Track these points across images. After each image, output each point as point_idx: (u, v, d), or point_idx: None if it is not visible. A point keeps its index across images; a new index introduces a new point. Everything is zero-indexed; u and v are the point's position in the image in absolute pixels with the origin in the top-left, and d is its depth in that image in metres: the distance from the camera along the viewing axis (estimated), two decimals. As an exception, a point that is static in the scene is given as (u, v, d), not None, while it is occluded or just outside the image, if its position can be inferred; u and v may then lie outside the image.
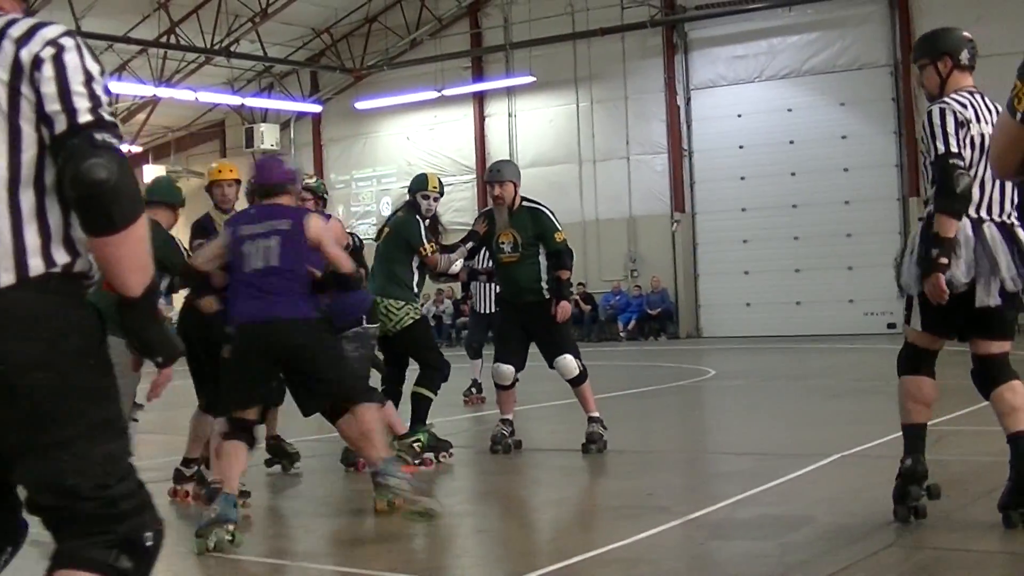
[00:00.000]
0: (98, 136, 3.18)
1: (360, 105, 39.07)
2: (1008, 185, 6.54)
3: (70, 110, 3.16)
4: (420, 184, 11.20)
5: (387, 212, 40.96)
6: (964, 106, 6.63)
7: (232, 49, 34.66)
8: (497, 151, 37.10)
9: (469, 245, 11.19)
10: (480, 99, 37.78)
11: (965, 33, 7.16)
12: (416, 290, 10.73)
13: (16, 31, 3.21)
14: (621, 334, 33.24)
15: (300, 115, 40.99)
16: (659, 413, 13.74)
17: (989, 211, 6.62)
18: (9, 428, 3.13)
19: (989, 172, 6.45)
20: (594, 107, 35.44)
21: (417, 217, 10.96)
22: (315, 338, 7.61)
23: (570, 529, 7.64)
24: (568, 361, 10.61)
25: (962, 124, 6.55)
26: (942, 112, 6.65)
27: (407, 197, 11.14)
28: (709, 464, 10.15)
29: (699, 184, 33.49)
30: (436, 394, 10.73)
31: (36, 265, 3.16)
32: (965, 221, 6.51)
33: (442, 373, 10.74)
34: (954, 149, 6.46)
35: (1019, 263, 6.57)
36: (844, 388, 15.87)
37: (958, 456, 9.55)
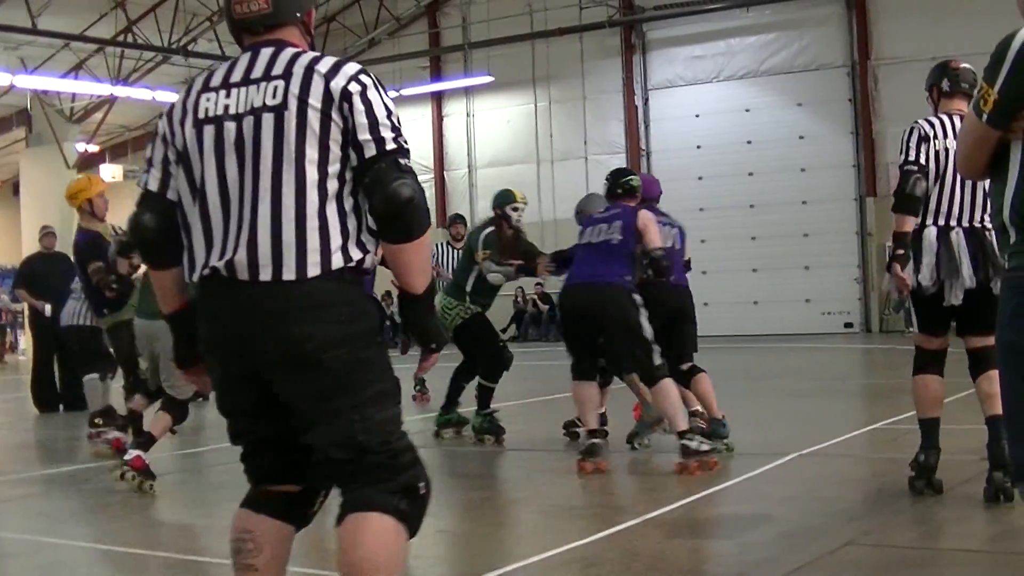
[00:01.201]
0: (402, 161, 3.83)
1: (318, 104, 39.03)
2: (979, 192, 7.21)
3: (378, 139, 3.80)
4: (508, 198, 12.19)
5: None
6: (931, 124, 7.59)
7: (189, 48, 34.50)
8: (455, 151, 37.14)
9: (519, 263, 11.76)
10: (438, 99, 37.76)
11: (953, 63, 8.01)
12: (472, 292, 11.66)
13: (322, 67, 3.87)
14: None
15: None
16: (616, 413, 13.67)
17: (959, 219, 7.38)
18: (310, 395, 3.78)
19: (958, 182, 7.31)
20: (552, 107, 35.46)
21: (490, 228, 12.05)
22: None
23: (529, 529, 7.61)
24: None
25: (924, 139, 7.51)
26: (909, 130, 7.68)
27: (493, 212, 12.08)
28: (667, 463, 10.13)
29: (657, 184, 33.54)
30: (495, 383, 11.71)
31: (336, 260, 3.78)
32: (932, 229, 7.38)
33: (500, 364, 11.65)
34: (911, 158, 7.44)
35: (983, 265, 7.30)
36: (801, 388, 15.91)
37: (914, 455, 9.57)
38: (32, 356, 17.73)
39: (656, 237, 9.48)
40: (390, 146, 3.82)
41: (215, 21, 33.83)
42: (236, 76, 3.93)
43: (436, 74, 37.75)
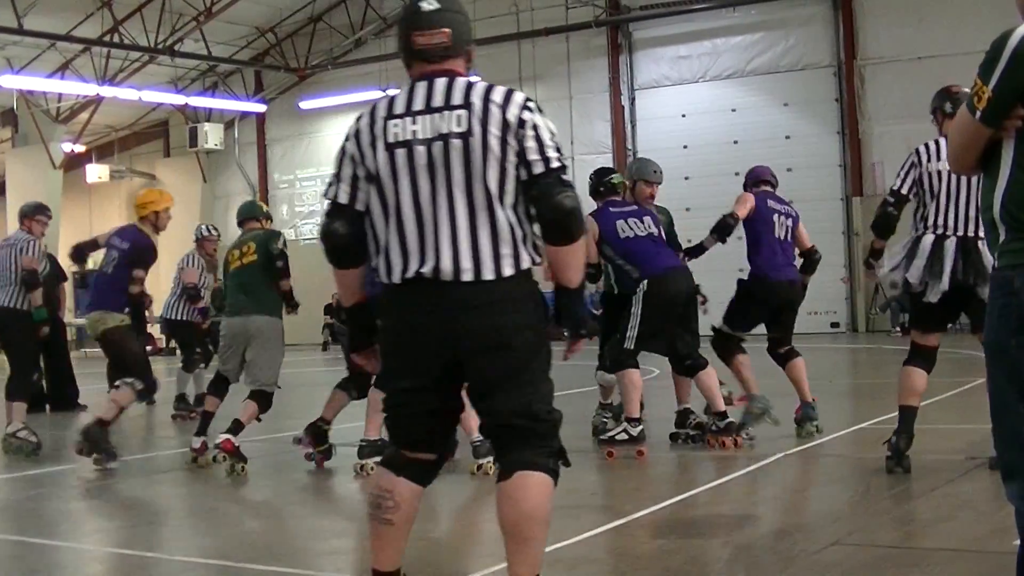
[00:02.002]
0: (564, 177, 4.55)
1: (304, 104, 39.00)
2: (972, 207, 8.11)
3: (546, 159, 4.51)
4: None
5: (332, 212, 41.53)
6: (926, 148, 8.45)
7: (176, 48, 34.48)
8: (442, 151, 37.14)
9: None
10: (425, 98, 37.74)
11: (954, 88, 8.49)
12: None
13: (497, 97, 4.61)
14: (565, 333, 33.24)
15: (244, 114, 40.87)
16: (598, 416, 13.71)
17: (954, 229, 8.27)
18: (501, 372, 4.55)
19: (951, 198, 8.30)
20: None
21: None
22: None
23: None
24: None
25: (914, 165, 8.51)
26: (909, 156, 8.60)
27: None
28: (652, 464, 10.12)
29: (643, 184, 33.58)
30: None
31: (523, 262, 4.57)
32: (928, 236, 8.37)
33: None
34: (895, 187, 8.67)
35: (964, 270, 8.14)
36: (787, 387, 15.89)
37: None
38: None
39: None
40: (554, 164, 4.54)
41: (201, 21, 33.81)
42: (418, 104, 4.65)
43: (423, 74, 37.75)
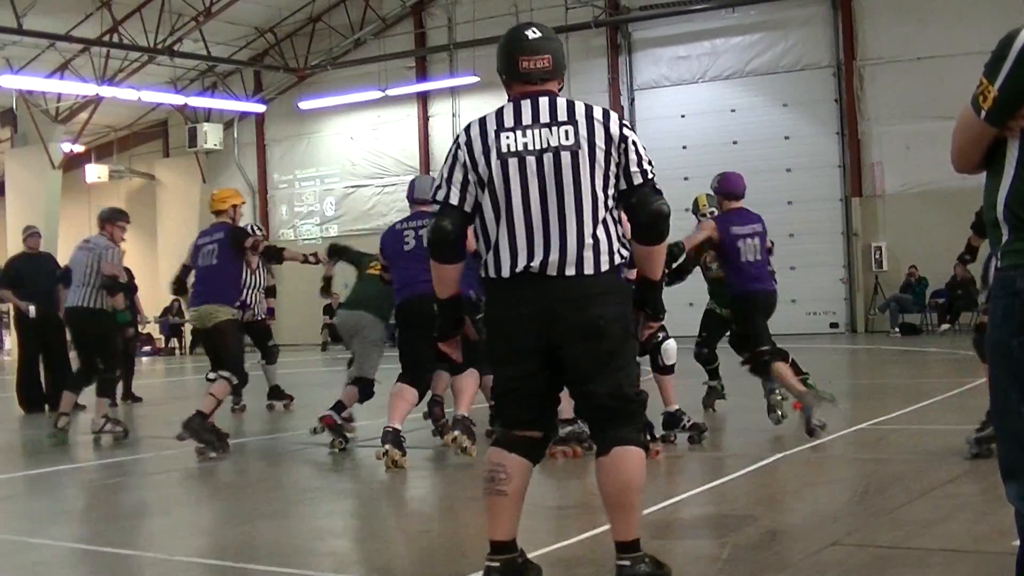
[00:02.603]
0: (657, 186, 5.31)
1: (303, 105, 38.96)
2: None
3: (643, 171, 5.29)
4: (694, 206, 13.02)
5: (330, 212, 41.08)
6: None
7: (175, 48, 34.43)
8: (441, 151, 37.08)
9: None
10: (424, 99, 37.75)
11: None
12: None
13: (598, 115, 5.32)
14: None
15: (243, 115, 40.82)
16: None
17: None
18: (596, 357, 5.19)
19: None
20: (538, 107, 35.45)
21: None
22: None
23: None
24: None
25: None
26: None
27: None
28: (650, 465, 10.12)
29: (642, 184, 33.59)
30: None
31: (616, 259, 5.24)
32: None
33: None
34: None
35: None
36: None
37: (899, 454, 9.60)
38: (17, 356, 17.67)
39: None
40: (650, 176, 5.31)
41: (200, 21, 33.78)
42: (526, 119, 5.29)
43: (422, 74, 37.73)
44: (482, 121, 5.37)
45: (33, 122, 36.92)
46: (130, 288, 17.78)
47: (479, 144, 5.31)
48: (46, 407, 16.71)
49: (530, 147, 5.24)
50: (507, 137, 5.27)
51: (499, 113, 5.35)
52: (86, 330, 13.48)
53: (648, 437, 5.74)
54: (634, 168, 5.28)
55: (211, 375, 12.04)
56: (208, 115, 39.95)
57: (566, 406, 10.13)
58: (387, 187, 37.86)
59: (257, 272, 16.39)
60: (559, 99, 5.38)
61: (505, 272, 5.25)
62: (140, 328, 22.05)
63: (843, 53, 31.29)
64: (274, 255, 12.79)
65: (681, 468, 9.80)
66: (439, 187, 5.39)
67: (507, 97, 5.47)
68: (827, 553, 6.11)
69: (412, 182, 11.18)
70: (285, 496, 9.20)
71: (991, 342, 3.78)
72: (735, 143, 31.87)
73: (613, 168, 5.25)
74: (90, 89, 34.90)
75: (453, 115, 37.10)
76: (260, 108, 40.26)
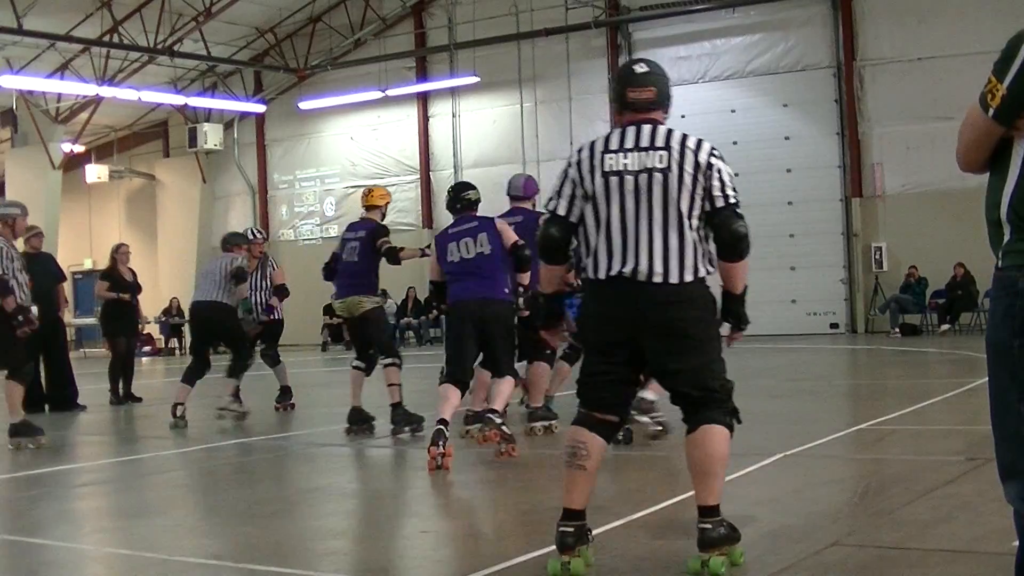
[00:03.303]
0: (738, 210, 5.94)
1: (304, 105, 38.97)
2: None
3: (726, 195, 5.92)
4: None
5: (331, 212, 41.07)
6: None
7: (175, 48, 34.47)
8: (441, 151, 37.15)
9: None
10: (424, 99, 37.76)
11: None
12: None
13: (691, 144, 5.97)
14: (566, 334, 33.18)
15: (243, 115, 40.84)
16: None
17: None
18: (679, 355, 5.89)
19: None
20: (538, 107, 35.50)
21: None
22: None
23: (512, 529, 7.60)
24: None
25: None
26: None
27: None
28: (649, 465, 10.12)
29: (642, 185, 33.58)
30: None
31: (700, 272, 5.89)
32: None
33: None
34: None
35: None
36: (785, 388, 15.92)
37: (899, 455, 9.60)
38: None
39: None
40: (732, 200, 5.93)
41: (200, 21, 33.82)
42: (628, 143, 6.00)
43: (422, 74, 37.75)
44: (592, 143, 6.13)
45: (33, 122, 36.94)
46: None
47: (587, 163, 6.06)
48: (46, 407, 16.71)
49: (629, 167, 5.95)
50: (611, 158, 6.00)
51: (607, 137, 6.10)
52: (217, 321, 15.31)
53: (735, 420, 6.23)
54: (717, 192, 5.91)
55: (356, 362, 13.06)
56: (208, 115, 39.97)
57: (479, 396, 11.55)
58: (387, 187, 37.81)
59: (259, 273, 16.49)
60: (660, 127, 6.11)
61: (601, 275, 5.95)
62: (140, 328, 22.02)
63: (843, 54, 31.31)
64: (391, 255, 13.00)
65: (681, 468, 9.78)
66: (551, 199, 6.19)
67: (616, 123, 6.26)
68: (827, 553, 6.11)
69: (510, 179, 13.11)
70: (286, 496, 9.21)
71: (991, 342, 3.78)
72: (735, 143, 31.84)
73: (699, 191, 5.89)
74: (90, 89, 34.93)
75: (453, 115, 37.12)
76: (260, 108, 40.27)
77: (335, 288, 13.05)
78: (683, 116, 33.08)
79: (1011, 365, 3.69)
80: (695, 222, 5.90)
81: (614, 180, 5.96)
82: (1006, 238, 3.70)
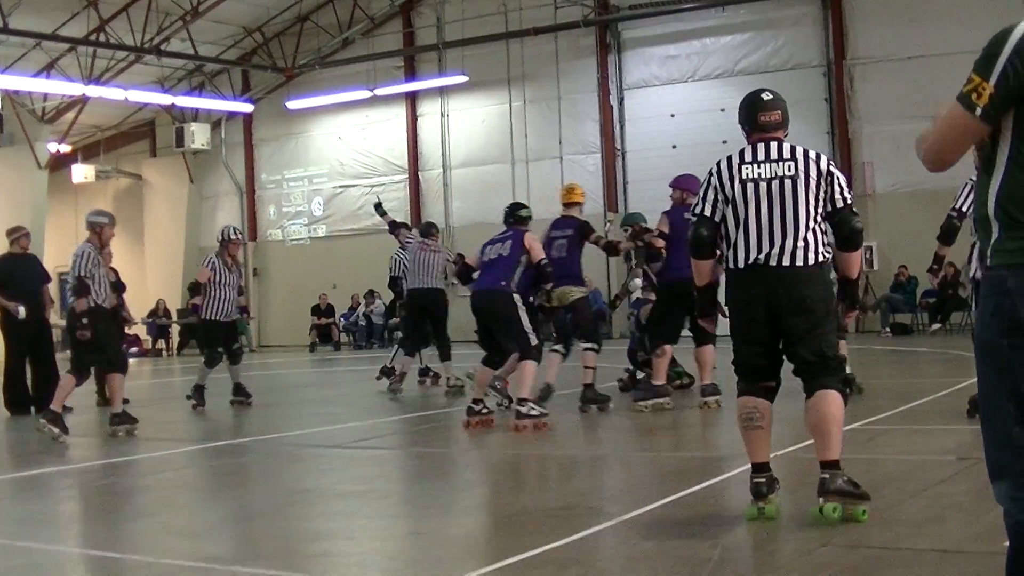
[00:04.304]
0: (854, 208, 7.38)
1: (292, 104, 38.92)
2: None
3: (844, 198, 7.32)
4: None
5: (318, 212, 41.07)
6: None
7: (162, 47, 34.39)
8: (429, 151, 37.11)
9: None
10: (412, 99, 37.72)
11: None
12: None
13: (812, 156, 7.37)
14: (553, 334, 33.17)
15: (231, 114, 40.76)
16: (589, 416, 13.69)
17: None
18: (803, 327, 7.15)
19: None
20: (527, 107, 35.45)
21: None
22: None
23: (502, 530, 7.61)
24: None
25: (965, 186, 12.04)
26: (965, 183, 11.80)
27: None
28: (641, 466, 10.14)
29: (632, 184, 33.62)
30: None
31: (820, 258, 7.21)
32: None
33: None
34: (955, 206, 12.46)
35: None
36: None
37: (891, 455, 9.61)
38: (4, 358, 17.64)
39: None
40: (848, 201, 7.34)
41: (188, 20, 33.75)
42: (760, 156, 7.38)
43: (410, 74, 37.71)
44: (730, 157, 7.50)
45: (19, 122, 36.83)
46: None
47: (726, 172, 7.42)
48: (32, 408, 16.67)
49: (763, 176, 7.31)
50: (747, 168, 7.37)
51: (742, 152, 7.48)
52: (439, 303, 18.00)
53: (849, 390, 8.06)
54: (837, 196, 7.29)
55: (557, 347, 14.52)
56: (196, 115, 39.89)
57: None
58: (375, 187, 37.78)
59: (233, 272, 16.50)
60: (784, 143, 7.48)
61: (741, 263, 7.26)
62: (127, 329, 21.99)
63: (833, 52, 31.31)
64: (611, 248, 15.21)
65: (671, 469, 9.80)
66: (697, 203, 7.53)
67: (747, 140, 7.58)
68: (819, 554, 6.13)
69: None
70: (277, 497, 9.21)
71: (980, 341, 3.79)
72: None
73: (821, 195, 7.25)
74: (77, 89, 34.84)
75: (442, 115, 37.08)
76: (248, 108, 40.21)
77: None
78: (672, 115, 33.22)
79: (1000, 364, 3.69)
80: (817, 218, 7.24)
81: (750, 186, 7.31)
82: (994, 236, 3.70)
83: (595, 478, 9.56)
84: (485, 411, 12.88)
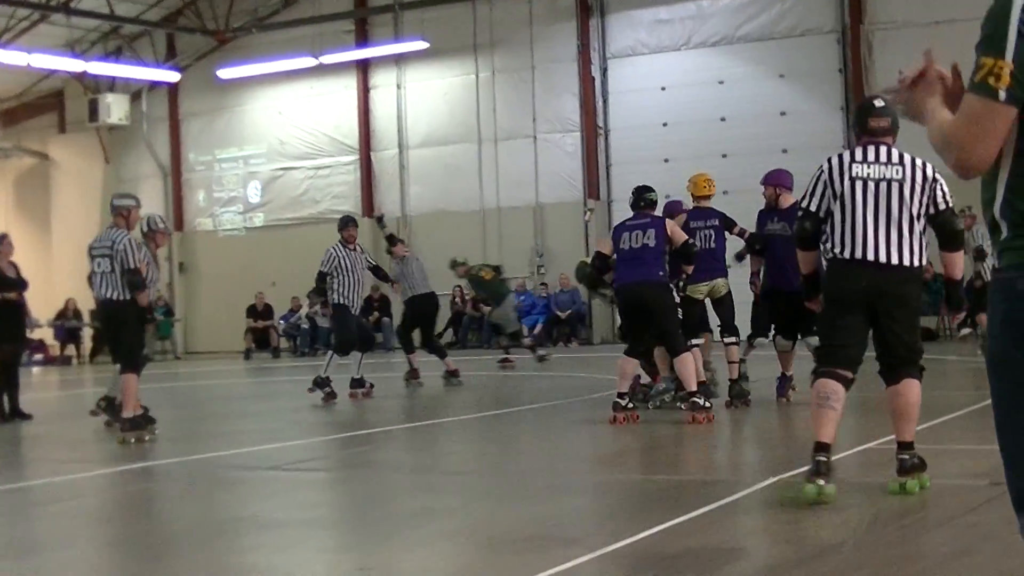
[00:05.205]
0: (956, 211, 9.28)
1: (224, 73, 38.77)
2: None
3: (946, 202, 8.87)
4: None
5: (255, 199, 40.87)
6: None
7: (72, 5, 34.25)
8: (383, 128, 37.00)
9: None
10: (364, 68, 37.65)
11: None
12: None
13: (919, 163, 8.84)
14: (525, 340, 33.19)
15: (154, 84, 40.63)
16: (567, 431, 13.72)
17: None
18: (903, 321, 8.83)
19: None
20: (496, 78, 35.42)
21: None
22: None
23: (468, 565, 7.60)
24: None
25: None
26: None
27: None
28: (626, 489, 10.14)
29: (616, 167, 33.68)
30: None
31: (917, 260, 8.70)
32: None
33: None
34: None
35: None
36: (782, 401, 16.00)
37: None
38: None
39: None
40: (950, 204, 8.89)
41: (103, -25, 33.56)
42: (870, 158, 8.87)
43: (362, 39, 37.62)
44: (840, 155, 9.05)
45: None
46: (20, 284, 17.77)
47: (837, 169, 8.96)
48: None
49: (871, 176, 8.80)
50: (857, 167, 8.88)
51: (853, 152, 9.02)
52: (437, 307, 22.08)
53: (921, 376, 9.11)
54: (939, 199, 8.83)
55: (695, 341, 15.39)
56: (112, 85, 39.76)
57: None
58: (321, 169, 37.77)
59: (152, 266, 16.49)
60: (893, 148, 8.95)
61: (846, 255, 8.79)
62: (30, 332, 21.86)
63: (849, 16, 31.37)
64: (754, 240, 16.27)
65: (660, 495, 9.81)
66: (803, 198, 9.24)
67: (857, 142, 9.15)
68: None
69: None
70: (203, 528, 9.18)
71: (991, 354, 3.77)
72: (723, 119, 31.96)
73: (924, 199, 8.78)
74: (-28, 53, 34.71)
75: (398, 87, 37.01)
76: (173, 77, 40.06)
77: (693, 273, 15.18)
78: (663, 88, 33.23)
79: (1016, 379, 3.68)
80: (920, 220, 8.73)
81: (859, 184, 8.80)
82: (1003, 235, 3.70)
83: (570, 504, 9.55)
84: (631, 405, 14.24)
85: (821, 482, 8.58)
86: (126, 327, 14.68)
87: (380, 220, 23.89)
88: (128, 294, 14.56)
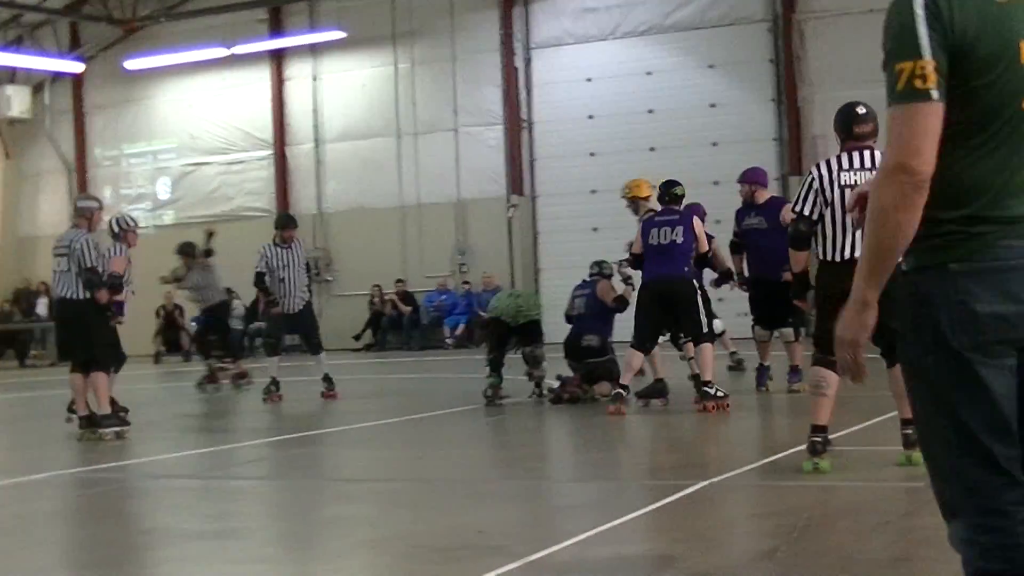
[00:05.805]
0: None
1: (131, 64, 38.50)
2: None
3: None
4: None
5: (165, 195, 40.67)
6: None
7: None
8: (298, 121, 36.87)
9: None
10: (279, 59, 37.51)
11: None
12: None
13: None
14: (447, 341, 33.19)
15: (57, 75, 40.29)
16: (489, 435, 13.73)
17: None
18: (888, 312, 6.52)
19: None
20: (416, 69, 35.36)
21: None
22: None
23: (397, 569, 7.60)
24: None
25: None
26: None
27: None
28: (551, 494, 10.15)
29: (540, 162, 33.68)
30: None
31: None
32: None
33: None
34: None
35: None
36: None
37: (849, 480, 9.67)
38: None
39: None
40: None
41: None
42: (856, 164, 9.88)
43: (276, 29, 37.47)
44: (828, 162, 10.09)
45: None
46: None
47: (827, 177, 10.00)
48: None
49: (858, 182, 9.47)
50: (845, 174, 9.90)
51: (839, 158, 9.99)
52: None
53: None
54: None
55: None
56: (13, 76, 39.43)
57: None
58: (234, 165, 37.60)
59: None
60: (876, 152, 9.78)
61: (837, 258, 9.87)
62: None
63: (781, 4, 31.45)
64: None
65: (588, 499, 9.83)
66: (796, 202, 10.32)
67: (841, 147, 10.02)
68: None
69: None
70: (115, 541, 9.13)
71: (904, 362, 3.86)
72: (651, 112, 32.00)
73: None
74: None
75: (314, 78, 36.87)
76: (78, 68, 39.75)
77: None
78: (588, 80, 33.23)
79: (930, 385, 3.74)
80: None
81: (848, 192, 9.10)
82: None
83: (492, 511, 9.54)
84: (720, 393, 14.79)
85: (816, 460, 9.74)
86: (92, 327, 15.18)
87: (211, 236, 23.83)
88: (86, 293, 14.95)
